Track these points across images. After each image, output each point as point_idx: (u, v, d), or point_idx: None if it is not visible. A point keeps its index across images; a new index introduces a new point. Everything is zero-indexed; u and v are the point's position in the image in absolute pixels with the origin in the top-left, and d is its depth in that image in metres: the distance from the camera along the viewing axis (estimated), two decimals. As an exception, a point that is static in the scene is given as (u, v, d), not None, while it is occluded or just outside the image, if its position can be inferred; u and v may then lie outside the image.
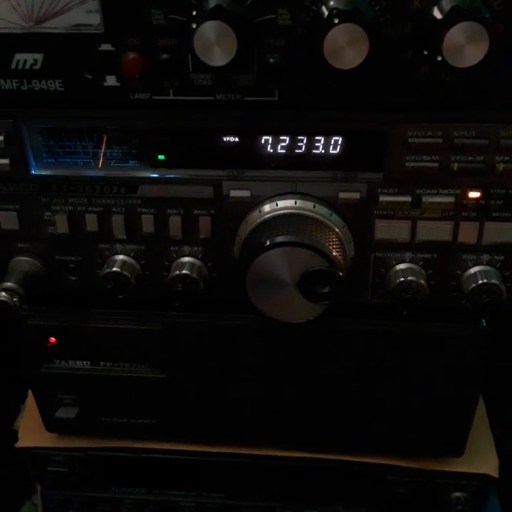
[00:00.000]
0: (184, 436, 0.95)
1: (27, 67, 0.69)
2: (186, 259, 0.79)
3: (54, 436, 0.97)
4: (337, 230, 0.73)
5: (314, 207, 0.74)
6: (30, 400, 0.97)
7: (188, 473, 0.97)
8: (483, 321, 0.82)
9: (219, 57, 0.63)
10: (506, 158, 0.70)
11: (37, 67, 0.69)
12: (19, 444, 0.98)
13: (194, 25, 0.62)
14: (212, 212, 0.76)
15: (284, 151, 0.73)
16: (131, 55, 0.68)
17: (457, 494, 0.94)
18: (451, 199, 0.73)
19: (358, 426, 0.90)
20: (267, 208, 0.74)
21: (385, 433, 0.91)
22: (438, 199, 0.73)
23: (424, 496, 0.95)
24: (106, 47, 0.68)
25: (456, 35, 0.60)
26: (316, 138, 0.72)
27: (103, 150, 0.75)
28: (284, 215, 0.73)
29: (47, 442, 0.97)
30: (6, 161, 0.74)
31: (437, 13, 0.62)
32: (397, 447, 0.92)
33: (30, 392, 0.98)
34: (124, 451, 0.96)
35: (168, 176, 0.75)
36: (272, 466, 0.95)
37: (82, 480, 0.99)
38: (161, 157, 0.75)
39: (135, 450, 0.96)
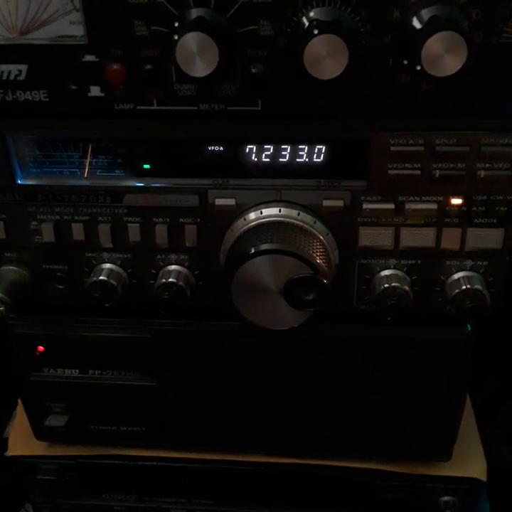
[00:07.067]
0: (174, 443, 0.95)
1: (11, 78, 0.70)
2: (173, 267, 0.80)
3: (44, 445, 0.97)
4: (321, 237, 0.74)
5: (298, 215, 0.74)
6: (20, 409, 0.97)
7: (178, 480, 0.97)
8: (468, 325, 0.82)
9: (201, 68, 0.63)
10: (487, 165, 0.71)
11: (21, 78, 0.70)
12: (9, 453, 0.98)
13: (176, 37, 0.62)
14: (198, 220, 0.77)
15: (268, 160, 0.74)
16: (115, 66, 0.68)
17: (446, 498, 0.94)
18: (434, 206, 0.74)
19: (345, 431, 0.91)
20: (251, 216, 0.75)
21: (372, 438, 0.91)
22: (421, 206, 0.74)
23: (413, 501, 0.95)
24: (90, 58, 0.68)
25: (434, 44, 0.60)
26: (300, 146, 0.73)
27: (89, 159, 0.75)
28: (268, 223, 0.74)
29: (37, 450, 0.97)
30: (-9, 171, 0.75)
31: (417, 23, 0.63)
32: (385, 452, 0.92)
33: (20, 400, 0.98)
34: (114, 459, 0.96)
35: (154, 185, 0.76)
36: (260, 473, 0.95)
37: (72, 488, 0.99)
38: (146, 166, 0.75)
39: (125, 457, 0.96)
